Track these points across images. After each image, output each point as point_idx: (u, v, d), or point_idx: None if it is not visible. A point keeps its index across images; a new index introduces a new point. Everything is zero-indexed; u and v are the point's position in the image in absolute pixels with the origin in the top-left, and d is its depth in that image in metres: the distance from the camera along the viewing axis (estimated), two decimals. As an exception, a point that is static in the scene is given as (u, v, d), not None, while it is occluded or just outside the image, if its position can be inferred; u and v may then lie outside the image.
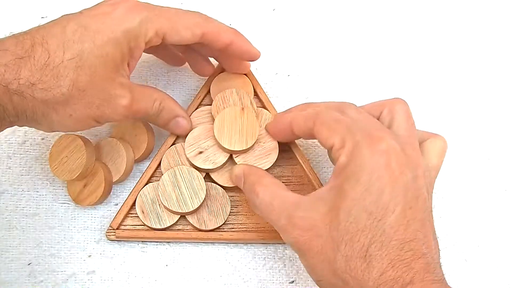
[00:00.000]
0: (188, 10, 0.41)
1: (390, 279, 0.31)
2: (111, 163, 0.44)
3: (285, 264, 0.45)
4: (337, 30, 0.54)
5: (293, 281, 0.44)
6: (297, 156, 0.46)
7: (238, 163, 0.44)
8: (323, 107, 0.39)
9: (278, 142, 0.45)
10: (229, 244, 0.45)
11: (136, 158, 0.45)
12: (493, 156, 0.49)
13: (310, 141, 0.49)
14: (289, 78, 0.51)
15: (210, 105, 0.46)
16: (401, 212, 0.32)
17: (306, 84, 0.51)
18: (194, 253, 0.45)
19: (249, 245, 0.45)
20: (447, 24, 0.54)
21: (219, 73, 0.47)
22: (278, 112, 0.47)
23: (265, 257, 0.45)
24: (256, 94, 0.47)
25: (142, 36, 0.38)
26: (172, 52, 0.48)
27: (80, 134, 0.44)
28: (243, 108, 0.44)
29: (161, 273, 0.44)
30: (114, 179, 0.44)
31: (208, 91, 0.47)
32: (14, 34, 0.35)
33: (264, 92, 0.47)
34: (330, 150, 0.36)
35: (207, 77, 0.48)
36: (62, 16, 0.38)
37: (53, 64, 0.34)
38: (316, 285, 0.44)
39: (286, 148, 0.47)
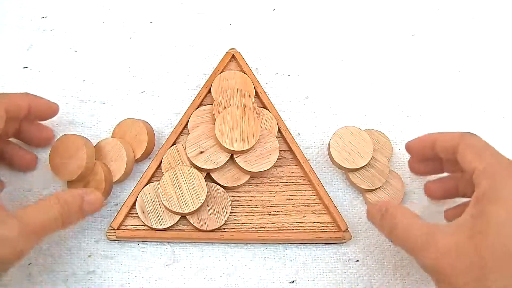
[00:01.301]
0: None
1: None
2: (111, 163, 0.44)
3: (285, 264, 0.45)
4: (337, 30, 0.54)
5: (293, 281, 0.44)
6: (297, 156, 0.46)
7: (238, 163, 0.44)
8: (464, 132, 0.40)
9: (278, 142, 0.45)
10: (229, 244, 0.45)
11: (136, 158, 0.45)
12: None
13: (310, 141, 0.49)
14: (289, 78, 0.51)
15: (211, 104, 0.46)
16: None
17: (306, 84, 0.51)
18: (194, 253, 0.45)
19: (249, 245, 0.45)
20: (447, 24, 0.55)
21: (220, 73, 0.47)
22: (278, 111, 0.47)
23: (265, 257, 0.45)
24: (257, 94, 0.47)
25: None
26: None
27: (80, 135, 0.44)
28: (244, 109, 0.44)
29: (161, 273, 0.44)
30: (115, 179, 0.44)
31: (209, 91, 0.47)
32: None
33: (264, 92, 0.47)
34: (469, 173, 0.36)
35: (208, 77, 0.48)
36: None
37: None
38: (315, 285, 0.44)
39: (286, 148, 0.47)
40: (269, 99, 0.47)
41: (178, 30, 0.53)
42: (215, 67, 0.48)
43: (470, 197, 0.38)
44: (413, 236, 0.36)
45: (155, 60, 0.51)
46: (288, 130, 0.47)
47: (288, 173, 0.46)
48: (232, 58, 0.49)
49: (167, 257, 0.44)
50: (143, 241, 0.44)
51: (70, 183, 0.44)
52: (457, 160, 0.38)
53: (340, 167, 0.45)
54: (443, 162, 0.43)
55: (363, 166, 0.45)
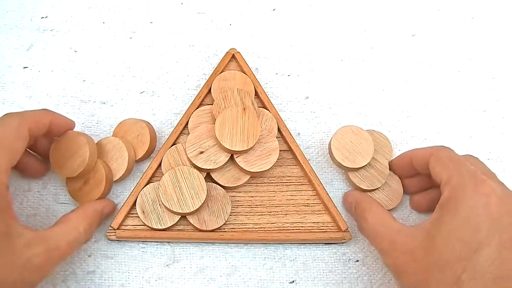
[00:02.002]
0: (6, 118, 0.37)
1: None
2: (112, 161, 0.44)
3: (285, 264, 0.45)
4: (337, 30, 0.54)
5: (293, 281, 0.44)
6: (297, 156, 0.46)
7: (238, 163, 0.44)
8: (437, 146, 0.41)
9: (278, 142, 0.45)
10: (229, 244, 0.45)
11: (137, 158, 0.45)
12: (493, 156, 0.49)
13: (310, 141, 0.49)
14: (289, 78, 0.51)
15: (211, 104, 0.46)
16: (497, 249, 0.33)
17: (306, 84, 0.51)
18: (194, 253, 0.45)
19: (249, 245, 0.45)
20: (447, 24, 0.55)
21: (220, 73, 0.47)
22: (278, 111, 0.47)
23: (265, 257, 0.45)
24: (257, 94, 0.47)
25: (1, 188, 0.33)
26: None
27: (82, 132, 0.44)
28: (244, 109, 0.44)
29: (161, 273, 0.44)
30: (115, 178, 0.44)
31: (209, 91, 0.47)
32: None
33: (264, 92, 0.47)
34: (439, 184, 0.38)
35: (208, 77, 0.48)
36: None
37: None
38: (315, 285, 0.44)
39: (286, 149, 0.47)
40: (269, 99, 0.47)
41: (178, 30, 0.53)
42: (215, 67, 0.48)
43: (439, 183, 0.39)
44: (379, 235, 0.39)
45: (155, 60, 0.51)
46: (288, 130, 0.47)
47: (288, 173, 0.46)
48: (232, 58, 0.49)
49: (167, 257, 0.45)
50: (143, 241, 0.44)
51: (70, 180, 0.44)
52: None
53: (340, 165, 0.45)
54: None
55: (363, 166, 0.45)
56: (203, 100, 0.47)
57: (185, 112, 0.46)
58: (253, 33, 0.53)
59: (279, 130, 0.47)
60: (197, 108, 0.47)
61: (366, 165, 0.45)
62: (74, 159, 0.42)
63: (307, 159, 0.46)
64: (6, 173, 0.34)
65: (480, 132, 0.50)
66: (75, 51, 0.51)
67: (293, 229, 0.45)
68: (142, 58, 0.51)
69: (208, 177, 0.45)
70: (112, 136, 0.46)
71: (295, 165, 0.47)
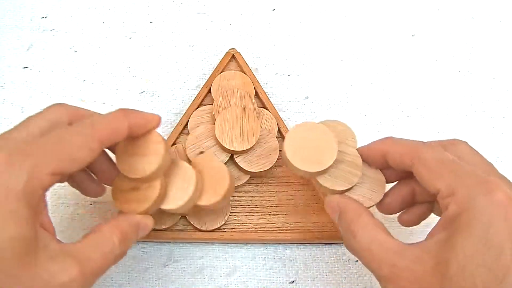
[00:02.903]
0: (73, 124, 0.33)
1: None
2: (172, 186, 0.37)
3: (285, 264, 0.45)
4: (337, 30, 0.54)
5: (293, 281, 0.44)
6: (297, 156, 0.46)
7: (238, 163, 0.44)
8: (419, 143, 0.35)
9: (278, 142, 0.45)
10: (229, 244, 0.45)
11: (210, 202, 0.39)
12: (493, 156, 0.49)
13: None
14: (289, 78, 0.51)
15: (211, 104, 0.46)
16: None
17: (306, 84, 0.51)
18: (194, 253, 0.45)
19: (249, 245, 0.45)
20: (447, 24, 0.55)
21: (220, 73, 0.47)
22: (278, 111, 0.47)
23: (265, 257, 0.45)
24: (256, 94, 0.47)
25: (40, 188, 0.29)
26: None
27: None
28: (244, 109, 0.44)
29: (161, 273, 0.44)
30: (165, 206, 0.37)
31: (209, 91, 0.47)
32: None
33: (264, 92, 0.47)
34: (431, 192, 0.32)
35: (208, 77, 0.48)
36: None
37: None
38: (315, 285, 0.44)
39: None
40: (269, 99, 0.47)
41: (178, 30, 0.53)
42: (215, 67, 0.48)
43: (428, 202, 0.35)
44: (376, 259, 0.32)
45: (155, 60, 0.51)
46: (288, 130, 0.47)
47: (288, 173, 0.46)
48: (232, 58, 0.49)
49: (166, 257, 0.45)
50: (143, 241, 0.44)
51: (121, 177, 0.36)
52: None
53: (305, 173, 0.37)
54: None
55: (332, 164, 0.37)
56: (203, 100, 0.47)
57: (185, 112, 0.46)
58: (253, 33, 0.53)
59: (279, 130, 0.47)
60: (197, 108, 0.47)
61: (334, 161, 0.37)
62: (145, 159, 0.35)
63: (307, 159, 0.46)
64: (51, 177, 0.29)
65: (480, 132, 0.50)
66: (75, 51, 0.51)
67: (293, 229, 0.45)
68: (142, 58, 0.51)
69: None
70: (191, 162, 0.40)
71: (295, 165, 0.47)
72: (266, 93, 0.48)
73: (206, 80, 0.48)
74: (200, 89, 0.47)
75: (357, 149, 0.39)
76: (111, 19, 0.53)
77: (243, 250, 0.45)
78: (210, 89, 0.47)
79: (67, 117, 0.34)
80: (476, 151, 0.35)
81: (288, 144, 0.37)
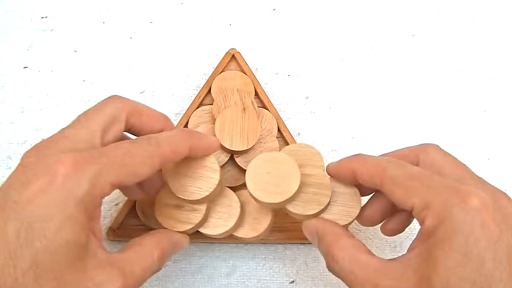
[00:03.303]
0: (137, 139, 0.33)
1: None
2: (215, 214, 0.38)
3: (285, 264, 0.45)
4: (337, 30, 0.54)
5: (293, 281, 0.44)
6: (297, 156, 0.46)
7: (238, 163, 0.44)
8: (387, 161, 0.34)
9: (278, 142, 0.45)
10: (229, 244, 0.45)
11: (246, 236, 0.39)
12: (493, 156, 0.49)
13: (310, 141, 0.49)
14: (289, 78, 0.51)
15: (211, 104, 0.46)
16: (509, 279, 0.28)
17: (306, 84, 0.51)
18: (194, 253, 0.45)
19: (249, 245, 0.45)
20: (447, 24, 0.55)
21: (220, 73, 0.47)
22: (278, 111, 0.47)
23: (265, 257, 0.45)
24: (256, 94, 0.47)
25: (99, 197, 0.29)
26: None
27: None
28: (244, 109, 0.44)
29: (161, 273, 0.44)
30: (204, 230, 0.38)
31: (209, 91, 0.47)
32: None
33: (264, 92, 0.47)
34: (409, 211, 0.32)
35: (208, 77, 0.48)
36: None
37: (6, 287, 0.26)
38: (315, 285, 0.44)
39: (286, 148, 0.47)
40: (269, 99, 0.47)
41: (178, 30, 0.53)
42: (215, 67, 0.48)
43: (409, 210, 0.34)
44: (357, 280, 0.31)
45: (155, 60, 0.51)
46: (288, 130, 0.47)
47: (288, 173, 0.46)
48: (232, 58, 0.49)
49: (167, 257, 0.45)
50: (143, 241, 0.44)
51: (165, 193, 0.38)
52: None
53: (273, 205, 0.36)
54: None
55: (298, 190, 0.36)
56: (203, 100, 0.47)
57: (185, 112, 0.46)
58: (253, 33, 0.53)
59: (279, 130, 0.47)
60: (197, 108, 0.47)
61: (300, 186, 0.36)
62: (198, 183, 0.36)
63: (307, 159, 0.46)
64: (111, 187, 0.29)
65: (480, 132, 0.50)
66: (75, 51, 0.51)
67: (293, 229, 0.45)
68: (142, 58, 0.51)
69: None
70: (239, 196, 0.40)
71: (295, 165, 0.47)
72: (266, 93, 0.48)
73: (206, 80, 0.48)
74: (200, 89, 0.47)
75: (327, 166, 0.37)
76: (111, 19, 0.53)
77: (243, 250, 0.45)
78: (210, 89, 0.47)
79: (125, 113, 0.34)
80: (447, 153, 0.34)
81: (250, 180, 0.36)
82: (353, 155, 0.36)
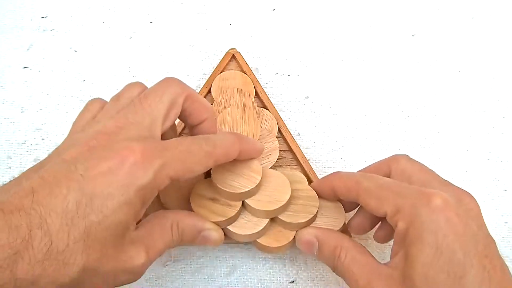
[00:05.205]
0: (196, 138, 0.35)
1: None
2: (245, 217, 0.40)
3: (285, 264, 0.45)
4: (337, 30, 0.54)
5: (293, 281, 0.44)
6: (297, 156, 0.46)
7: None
8: (360, 175, 0.37)
9: (278, 142, 0.45)
10: (229, 244, 0.45)
11: (267, 244, 0.41)
12: (493, 156, 0.49)
13: (310, 141, 0.49)
14: (289, 78, 0.51)
15: (211, 104, 0.46)
16: (479, 265, 0.31)
17: (306, 84, 0.51)
18: (194, 253, 0.45)
19: (249, 245, 0.45)
20: (447, 24, 0.55)
21: (220, 73, 0.47)
22: (278, 111, 0.47)
23: (265, 257, 0.45)
24: (257, 94, 0.47)
25: (156, 188, 0.31)
26: None
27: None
28: (244, 108, 0.44)
29: (160, 273, 0.44)
30: (232, 228, 0.39)
31: (209, 91, 0.47)
32: (4, 215, 0.27)
33: (264, 92, 0.47)
34: (383, 218, 0.35)
35: (208, 77, 0.48)
36: (56, 172, 0.30)
37: (57, 250, 0.28)
38: (315, 285, 0.44)
39: (286, 148, 0.47)
40: (269, 99, 0.47)
41: (178, 30, 0.53)
42: (215, 67, 0.48)
43: (384, 216, 0.36)
44: (354, 277, 0.35)
45: (155, 60, 0.51)
46: (288, 130, 0.47)
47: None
48: (232, 58, 0.49)
49: (166, 257, 0.44)
50: (143, 241, 0.44)
51: (202, 185, 0.40)
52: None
53: (268, 213, 0.39)
54: None
55: (289, 201, 0.40)
56: (203, 100, 0.47)
57: (185, 112, 0.46)
58: (253, 33, 0.53)
59: (279, 130, 0.47)
60: (197, 108, 0.47)
61: (290, 198, 0.40)
62: (241, 180, 0.38)
63: (307, 159, 0.46)
64: (169, 180, 0.32)
65: (480, 132, 0.50)
66: (75, 51, 0.51)
67: (293, 229, 0.45)
68: (142, 58, 0.51)
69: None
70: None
71: (295, 165, 0.47)
72: (266, 93, 0.48)
73: (206, 80, 0.48)
74: (200, 89, 0.47)
75: (310, 185, 0.42)
76: (111, 19, 0.53)
77: (243, 250, 0.45)
78: (210, 89, 0.47)
79: (182, 99, 0.36)
80: (415, 161, 0.37)
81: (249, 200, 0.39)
82: (331, 173, 0.40)
